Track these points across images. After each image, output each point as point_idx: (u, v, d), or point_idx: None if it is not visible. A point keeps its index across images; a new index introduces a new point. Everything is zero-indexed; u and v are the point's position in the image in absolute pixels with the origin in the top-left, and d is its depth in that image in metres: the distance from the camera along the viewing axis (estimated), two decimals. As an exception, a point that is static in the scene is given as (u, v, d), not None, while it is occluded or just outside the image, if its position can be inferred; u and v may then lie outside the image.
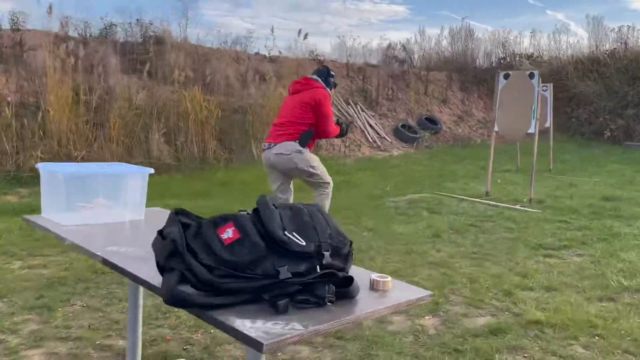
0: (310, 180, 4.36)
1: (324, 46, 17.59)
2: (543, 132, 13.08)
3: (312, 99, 4.24)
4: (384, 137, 12.75)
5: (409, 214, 6.13)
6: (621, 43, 17.98)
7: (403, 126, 13.17)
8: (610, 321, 3.11)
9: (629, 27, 18.55)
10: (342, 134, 4.66)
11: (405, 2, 33.45)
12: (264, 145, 4.40)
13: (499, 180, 8.71)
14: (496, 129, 7.16)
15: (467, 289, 3.68)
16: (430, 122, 13.99)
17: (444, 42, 22.07)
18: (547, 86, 9.67)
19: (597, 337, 2.91)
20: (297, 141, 4.23)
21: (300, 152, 4.23)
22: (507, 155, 11.20)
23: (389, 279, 1.44)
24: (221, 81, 9.87)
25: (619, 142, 15.42)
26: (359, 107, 13.26)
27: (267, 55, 13.20)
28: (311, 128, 4.28)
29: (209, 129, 8.64)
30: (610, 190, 7.76)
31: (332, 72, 4.61)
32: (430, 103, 15.58)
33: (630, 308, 3.34)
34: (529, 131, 6.78)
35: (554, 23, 33.38)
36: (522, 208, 6.50)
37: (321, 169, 4.35)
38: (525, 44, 24.32)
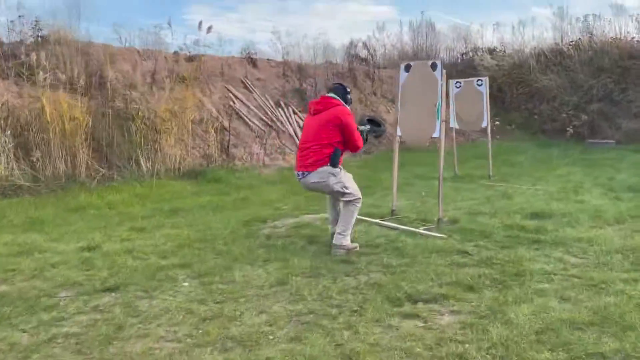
0: (343, 199, 4.64)
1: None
2: (481, 134, 11.91)
3: (336, 118, 4.43)
4: (318, 142, 11.46)
5: (274, 247, 4.82)
6: (586, 33, 16.82)
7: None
8: None
9: (594, 15, 17.43)
10: (366, 140, 4.88)
11: (391, 2, 32.61)
12: (298, 175, 4.65)
13: (423, 193, 7.44)
14: (399, 133, 5.88)
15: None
16: (373, 124, 12.71)
17: (405, 38, 20.98)
18: (482, 80, 8.44)
19: None
20: (329, 164, 4.47)
21: (334, 175, 4.51)
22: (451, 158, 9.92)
23: None
24: (108, 83, 8.51)
25: (582, 139, 14.25)
26: (290, 109, 11.96)
27: (188, 54, 11.85)
28: (338, 147, 4.49)
29: (78, 140, 7.28)
30: (545, 202, 6.51)
31: (349, 89, 4.81)
32: (378, 103, 14.33)
33: None
34: (434, 135, 5.50)
35: (518, 15, 32.53)
36: (425, 232, 5.22)
37: (353, 187, 4.65)
38: (489, 38, 23.29)
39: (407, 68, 5.72)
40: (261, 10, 28.97)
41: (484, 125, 8.52)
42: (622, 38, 15.84)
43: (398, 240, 4.94)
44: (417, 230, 5.32)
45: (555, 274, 3.92)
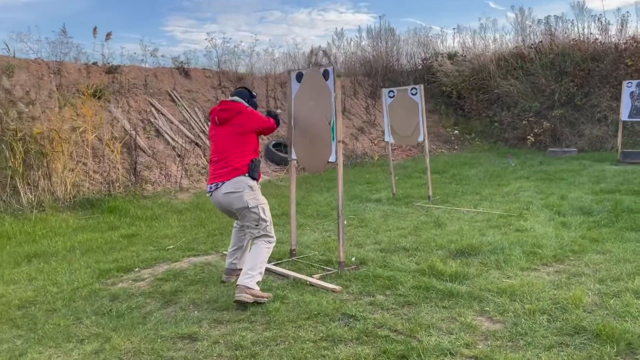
0: (255, 229, 4.00)
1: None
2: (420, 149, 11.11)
3: (245, 124, 4.05)
4: (252, 160, 10.38)
5: (109, 316, 3.71)
6: (548, 35, 16.06)
7: (276, 145, 10.79)
8: None
9: (556, 17, 16.70)
10: (278, 123, 4.35)
11: (370, 10, 32.19)
12: (209, 188, 4.09)
13: (345, 222, 6.39)
14: (294, 156, 4.82)
15: None
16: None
17: (364, 44, 20.08)
18: (416, 89, 7.43)
19: None
20: (247, 174, 3.98)
21: (251, 188, 3.98)
22: (389, 175, 8.98)
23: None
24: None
25: (544, 147, 13.40)
26: (222, 123, 10.84)
27: (110, 64, 10.69)
28: (256, 156, 4.08)
29: None
30: (480, 232, 5.51)
31: (255, 94, 4.40)
32: (325, 113, 13.32)
33: None
34: (330, 159, 4.44)
35: (478, 18, 31.96)
36: (316, 282, 4.16)
37: (269, 217, 4.08)
38: (450, 42, 22.49)
39: (299, 77, 4.68)
40: (241, 21, 28.57)
41: (420, 139, 7.52)
42: (585, 40, 15.11)
43: (277, 296, 3.87)
44: (309, 279, 4.26)
45: (453, 355, 2.88)
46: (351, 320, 3.42)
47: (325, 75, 4.39)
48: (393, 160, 12.32)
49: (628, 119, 10.62)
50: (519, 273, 4.17)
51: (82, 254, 5.35)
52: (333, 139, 4.38)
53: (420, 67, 18.75)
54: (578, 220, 5.76)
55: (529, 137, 13.75)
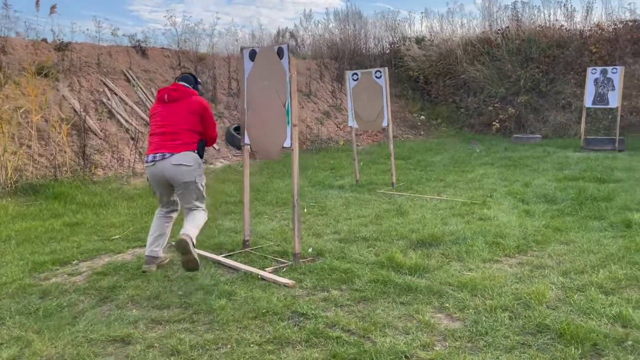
0: (193, 203, 4.04)
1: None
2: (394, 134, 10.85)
3: (200, 108, 4.07)
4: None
5: (35, 316, 3.35)
6: (514, 21, 16.02)
7: (238, 129, 10.37)
8: None
9: (523, 2, 16.66)
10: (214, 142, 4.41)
11: None
12: (155, 157, 3.96)
13: (305, 210, 6.12)
14: (247, 141, 4.50)
15: None
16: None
17: (331, 26, 19.68)
18: (381, 71, 7.16)
19: None
20: (196, 151, 4.02)
21: (200, 166, 4.05)
22: (352, 162, 8.74)
23: None
24: None
25: (509, 133, 13.40)
26: (181, 105, 10.37)
27: (61, 41, 10.05)
28: (203, 138, 4.09)
29: None
30: (443, 220, 5.33)
31: (200, 80, 4.41)
32: (290, 97, 12.95)
33: None
34: (285, 144, 4.14)
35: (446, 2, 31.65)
36: (268, 276, 3.88)
37: (206, 199, 4.19)
38: (418, 27, 22.27)
39: (252, 55, 4.34)
40: (209, 1, 27.80)
41: (384, 124, 7.27)
42: (550, 26, 15.12)
43: (223, 292, 3.58)
44: (261, 272, 3.98)
45: (408, 358, 2.66)
46: (302, 319, 3.16)
47: (280, 53, 4.07)
48: (358, 145, 12.11)
49: (592, 106, 10.64)
50: (481, 265, 3.98)
51: (18, 245, 4.93)
52: (288, 123, 4.07)
53: (387, 51, 18.52)
54: (542, 209, 5.64)
55: (494, 123, 13.73)
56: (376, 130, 12.21)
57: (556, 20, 15.48)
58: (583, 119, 10.84)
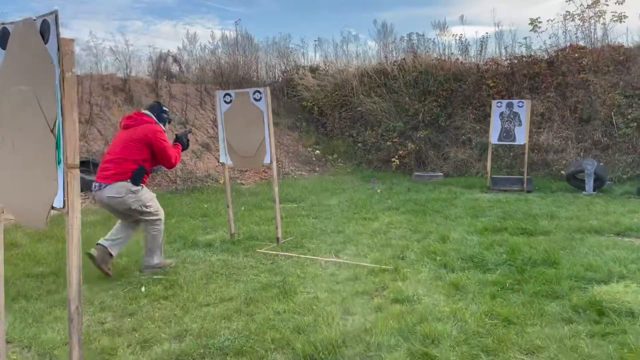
0: (142, 217, 4.40)
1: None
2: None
3: (145, 136, 4.25)
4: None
5: None
6: (410, 52, 15.32)
7: (82, 163, 8.12)
8: None
9: (418, 34, 16.09)
10: (185, 148, 4.77)
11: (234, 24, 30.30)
12: (95, 186, 4.29)
13: (143, 289, 4.11)
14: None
15: None
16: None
17: (219, 51, 17.91)
18: (260, 92, 5.38)
19: None
20: (130, 180, 4.20)
21: (133, 192, 4.23)
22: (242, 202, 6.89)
23: None
24: None
25: (409, 171, 12.31)
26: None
27: None
28: (144, 165, 4.27)
29: None
30: (346, 303, 3.62)
31: (166, 108, 4.66)
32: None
33: None
34: (56, 203, 2.20)
35: (341, 31, 31.52)
36: None
37: (154, 206, 4.43)
38: (312, 55, 21.28)
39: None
40: (97, 28, 25.61)
41: (267, 161, 5.51)
42: (446, 59, 14.55)
43: None
44: None
45: None
46: None
47: (44, 32, 2.17)
48: (242, 184, 10.29)
49: (498, 142, 9.76)
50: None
51: None
52: (59, 162, 2.15)
53: (280, 79, 17.11)
54: (473, 280, 4.16)
55: (393, 159, 12.60)
56: (256, 168, 10.43)
57: (452, 53, 15.01)
58: (489, 157, 9.94)
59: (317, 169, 12.55)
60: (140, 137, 4.24)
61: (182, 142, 4.73)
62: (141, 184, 4.29)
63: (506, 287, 3.97)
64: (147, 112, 4.49)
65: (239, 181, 10.38)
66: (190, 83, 14.27)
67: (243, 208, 7.85)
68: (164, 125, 4.55)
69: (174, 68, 17.87)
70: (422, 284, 4.12)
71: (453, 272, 4.41)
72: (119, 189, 4.16)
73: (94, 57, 11.52)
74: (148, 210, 4.34)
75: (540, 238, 5.59)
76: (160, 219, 4.46)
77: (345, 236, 5.94)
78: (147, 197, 4.35)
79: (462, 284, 4.04)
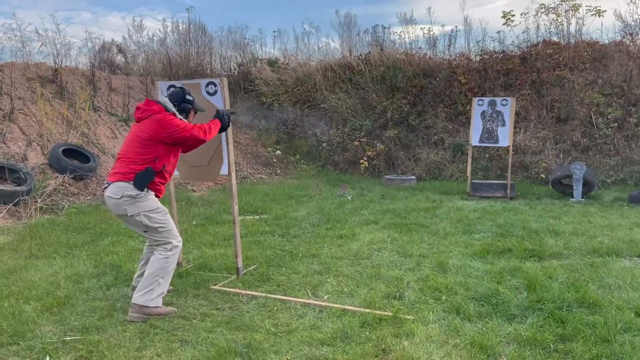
0: (147, 236, 3.70)
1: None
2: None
3: (151, 131, 3.59)
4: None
5: None
6: (376, 46, 14.37)
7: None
8: None
9: (384, 27, 15.17)
10: (225, 127, 4.01)
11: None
12: (105, 184, 3.78)
13: None
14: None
15: None
16: (76, 158, 7.78)
17: (169, 41, 16.41)
18: (215, 83, 4.16)
19: None
20: (131, 182, 3.54)
21: (132, 197, 3.54)
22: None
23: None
24: None
25: (379, 173, 11.36)
26: None
27: None
28: (151, 166, 3.59)
29: None
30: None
31: (190, 97, 3.80)
32: (97, 124, 9.40)
33: None
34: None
35: (300, 24, 30.50)
36: None
37: (162, 222, 3.63)
38: (270, 47, 20.09)
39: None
40: (43, 19, 23.85)
41: (224, 172, 4.33)
42: (414, 54, 13.68)
43: None
44: None
45: None
46: None
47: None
48: (194, 192, 8.98)
49: (479, 144, 8.89)
50: None
51: None
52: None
53: (236, 73, 15.82)
54: (501, 335, 3.15)
55: (362, 161, 11.60)
56: (211, 180, 9.14)
57: (419, 47, 14.16)
58: (469, 160, 9.06)
59: (279, 171, 11.40)
60: (146, 134, 3.58)
61: (222, 119, 3.92)
62: (146, 189, 3.56)
63: (543, 347, 2.99)
64: (162, 100, 3.73)
65: (189, 187, 9.10)
66: (134, 75, 12.80)
67: (194, 222, 6.63)
68: (187, 117, 3.76)
69: (119, 59, 16.32)
70: (435, 343, 3.08)
71: (470, 321, 3.39)
72: (116, 190, 3.55)
73: (18, 42, 9.92)
74: (152, 225, 3.56)
75: (554, 263, 4.68)
76: (171, 243, 3.65)
77: (321, 263, 4.85)
78: (150, 206, 3.56)
79: (489, 344, 3.02)
